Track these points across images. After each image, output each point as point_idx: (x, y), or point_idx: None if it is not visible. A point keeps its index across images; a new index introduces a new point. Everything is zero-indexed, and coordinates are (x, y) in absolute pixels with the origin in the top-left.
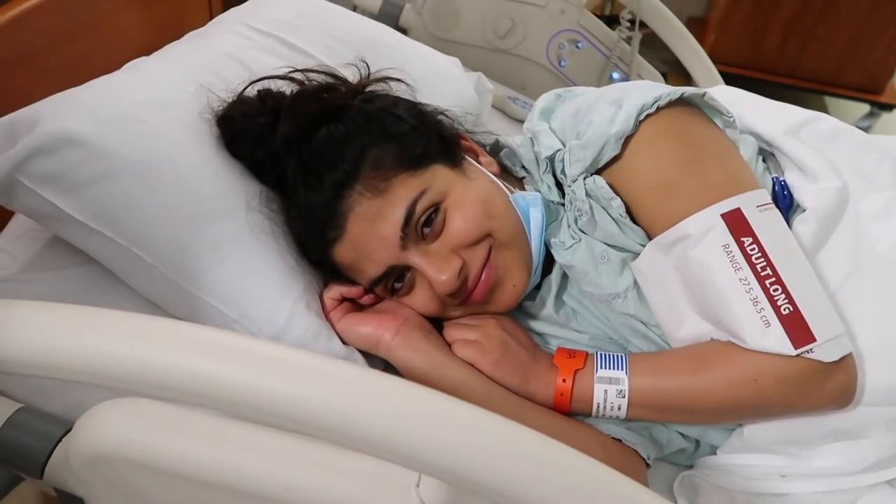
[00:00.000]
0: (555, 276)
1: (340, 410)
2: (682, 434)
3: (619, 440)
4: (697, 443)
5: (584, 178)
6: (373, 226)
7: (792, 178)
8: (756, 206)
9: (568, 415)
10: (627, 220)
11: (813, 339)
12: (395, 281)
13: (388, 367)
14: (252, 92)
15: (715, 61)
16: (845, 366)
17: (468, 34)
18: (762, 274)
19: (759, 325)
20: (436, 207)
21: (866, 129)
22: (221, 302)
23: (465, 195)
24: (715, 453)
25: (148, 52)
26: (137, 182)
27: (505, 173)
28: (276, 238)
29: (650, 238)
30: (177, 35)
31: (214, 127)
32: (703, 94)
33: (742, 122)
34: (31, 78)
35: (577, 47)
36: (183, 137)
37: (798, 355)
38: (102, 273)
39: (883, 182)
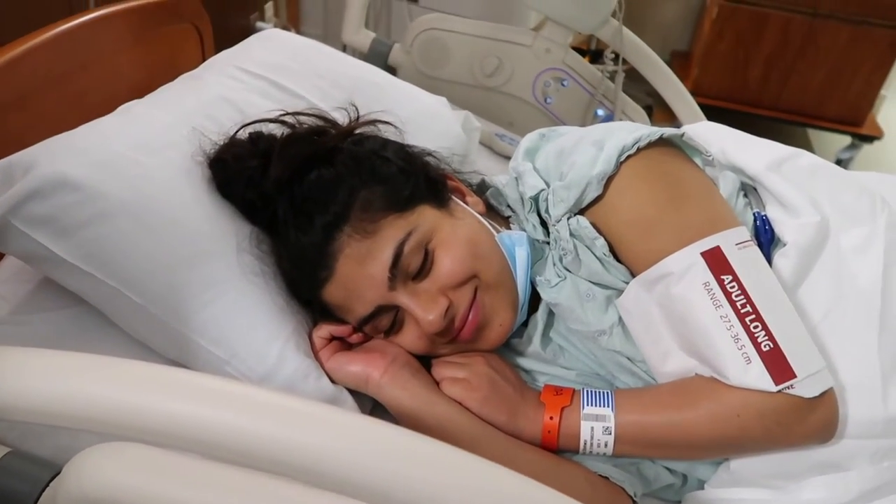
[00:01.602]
0: (541, 314)
1: (332, 456)
2: (669, 469)
3: (607, 477)
4: (685, 478)
5: (568, 219)
6: (362, 266)
7: (773, 213)
8: (735, 243)
9: (556, 452)
10: (611, 259)
11: (793, 375)
12: (383, 320)
13: (376, 405)
14: (244, 134)
15: (699, 94)
16: (826, 401)
17: (456, 72)
18: (742, 311)
19: (741, 362)
20: (424, 248)
21: (848, 161)
22: (212, 343)
23: (453, 235)
24: (703, 488)
25: (142, 93)
26: (129, 224)
27: (491, 212)
28: (266, 279)
29: (633, 275)
30: (171, 76)
31: (206, 169)
32: (682, 135)
33: (725, 156)
34: (27, 119)
35: (563, 85)
36: (175, 179)
37: (779, 391)
38: (93, 314)
39: (861, 217)
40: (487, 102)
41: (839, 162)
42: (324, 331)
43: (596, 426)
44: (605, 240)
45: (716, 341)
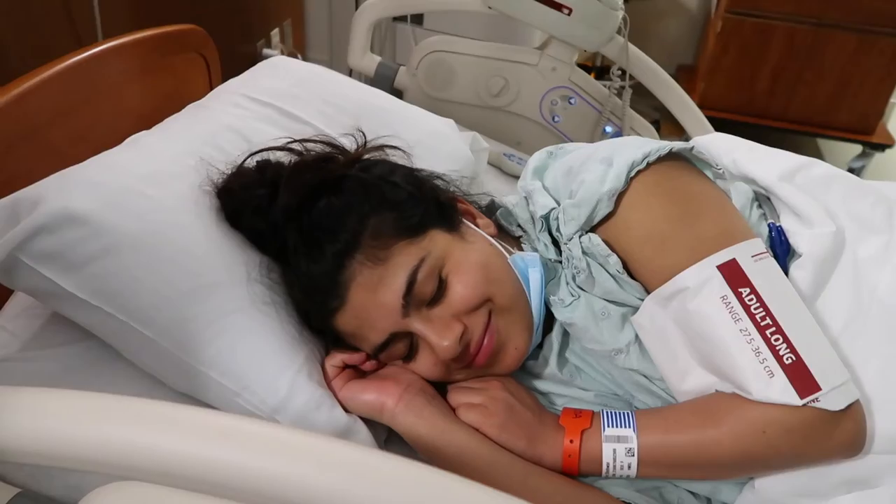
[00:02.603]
0: (556, 335)
1: (345, 495)
2: (692, 493)
3: None
4: (709, 501)
5: (580, 237)
6: (374, 294)
7: (788, 224)
8: (751, 255)
9: (577, 476)
10: (625, 276)
11: (818, 388)
12: (398, 347)
13: (391, 433)
14: (251, 163)
15: (706, 107)
16: (853, 413)
17: (462, 93)
18: (762, 324)
19: (763, 376)
20: (437, 274)
21: (860, 170)
22: (222, 375)
23: (465, 259)
24: None
25: (150, 123)
26: (137, 257)
27: (502, 233)
28: (277, 308)
29: (648, 292)
30: (178, 106)
31: (214, 199)
32: (692, 148)
33: (737, 167)
34: (35, 154)
35: (570, 103)
36: (183, 211)
37: (804, 405)
38: (103, 349)
39: (879, 226)
40: (495, 123)
41: (851, 171)
42: (336, 359)
43: (618, 448)
44: (618, 256)
45: (736, 356)
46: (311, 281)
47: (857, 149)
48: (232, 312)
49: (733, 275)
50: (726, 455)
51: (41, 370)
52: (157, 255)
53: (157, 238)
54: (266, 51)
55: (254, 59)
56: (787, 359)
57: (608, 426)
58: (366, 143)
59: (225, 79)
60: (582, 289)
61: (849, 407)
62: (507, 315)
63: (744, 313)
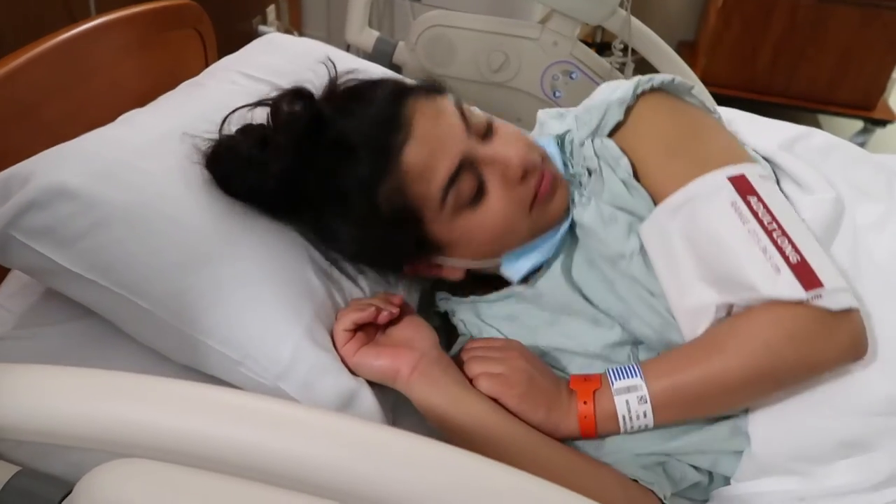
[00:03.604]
0: (564, 250)
1: (348, 470)
2: (694, 467)
3: (636, 480)
4: (711, 476)
5: (592, 140)
6: (438, 120)
7: (788, 191)
8: (758, 175)
9: (597, 437)
10: (634, 182)
11: (821, 285)
12: (466, 182)
13: (398, 398)
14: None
15: (707, 83)
16: (852, 317)
17: (462, 69)
18: (769, 227)
19: (770, 271)
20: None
21: (861, 145)
22: (223, 344)
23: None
24: (729, 484)
25: (145, 101)
26: (131, 229)
27: None
28: (278, 273)
29: (656, 205)
30: (173, 83)
31: (207, 171)
32: (692, 88)
33: (738, 138)
34: (28, 132)
35: (571, 78)
36: (176, 183)
37: (807, 301)
38: (102, 326)
39: (878, 194)
40: (495, 98)
41: None
42: (346, 321)
43: (630, 398)
44: (630, 161)
45: (742, 255)
46: (371, 123)
47: (858, 124)
48: (230, 281)
49: (742, 185)
50: (736, 378)
51: (40, 348)
52: (151, 226)
53: (149, 210)
54: (262, 27)
55: (249, 36)
56: (792, 258)
57: (616, 380)
58: (336, 72)
59: (221, 57)
60: (591, 201)
61: (848, 312)
62: (549, 163)
63: (751, 217)
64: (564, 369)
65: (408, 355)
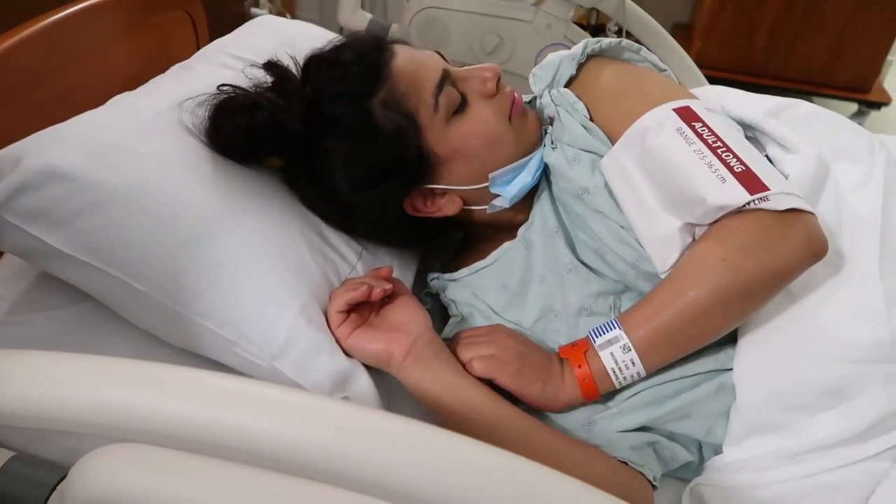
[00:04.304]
0: (540, 201)
1: (340, 452)
2: (687, 442)
3: (626, 462)
4: (702, 457)
5: (549, 91)
6: (417, 52)
7: (773, 153)
8: (704, 108)
9: (599, 398)
10: (591, 123)
11: (766, 188)
12: (453, 91)
13: (392, 378)
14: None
15: (703, 66)
16: (804, 217)
17: (456, 51)
18: (713, 145)
19: (716, 181)
20: None
21: None
22: (218, 325)
23: None
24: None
25: (136, 84)
26: (124, 211)
27: None
28: (273, 252)
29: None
30: (164, 66)
31: (200, 153)
32: (640, 49)
33: (726, 112)
34: (19, 115)
35: None
36: (168, 164)
37: (754, 202)
38: (95, 312)
39: (860, 156)
40: None
41: None
42: (339, 302)
43: (614, 350)
44: (585, 105)
45: (690, 171)
46: (360, 48)
47: (853, 107)
48: (224, 262)
49: (687, 114)
50: (707, 303)
51: (33, 333)
52: (144, 207)
53: (142, 191)
54: (254, 10)
55: (242, 18)
56: (736, 168)
57: (597, 337)
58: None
59: (212, 40)
60: (555, 145)
61: (800, 213)
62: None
63: (696, 139)
64: (553, 348)
65: (401, 339)
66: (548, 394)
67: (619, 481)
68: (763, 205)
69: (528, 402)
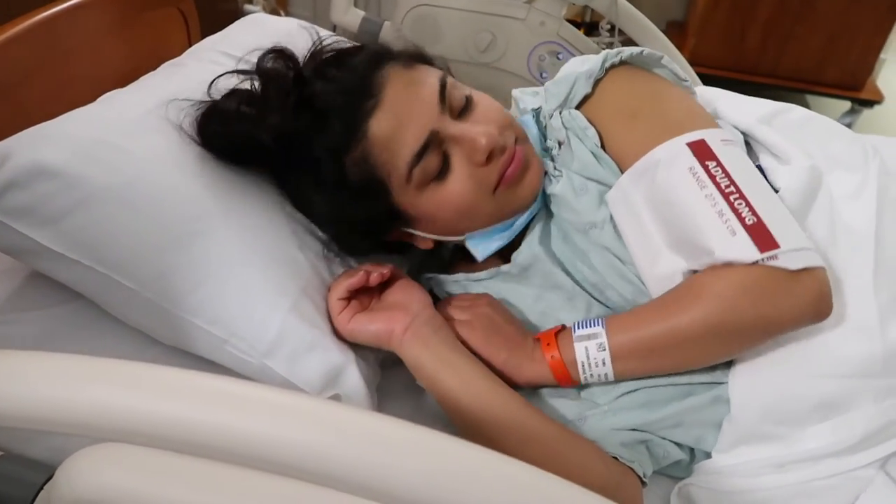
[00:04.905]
0: (539, 224)
1: (328, 452)
2: (677, 444)
3: (617, 458)
4: (693, 454)
5: (560, 112)
6: (411, 90)
7: (766, 163)
8: (720, 139)
9: (570, 383)
10: (602, 152)
11: (777, 246)
12: (432, 159)
13: (386, 371)
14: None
15: (696, 64)
16: (816, 274)
17: (449, 49)
18: (726, 191)
19: (726, 234)
20: (462, 91)
21: (848, 126)
22: (208, 323)
23: (482, 93)
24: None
25: (125, 82)
26: (113, 208)
27: None
28: (263, 248)
29: (622, 172)
30: (155, 64)
31: (188, 149)
32: (661, 58)
33: (717, 116)
34: (9, 112)
35: (558, 58)
36: (158, 162)
37: (763, 261)
38: (86, 310)
39: (854, 164)
40: (482, 79)
41: None
42: (339, 290)
43: (589, 345)
44: (597, 132)
45: (700, 218)
46: (342, 89)
47: (846, 105)
48: (214, 260)
49: (701, 151)
50: (693, 331)
51: (25, 332)
52: (134, 205)
53: (132, 189)
54: (247, 7)
55: (234, 16)
56: (748, 220)
57: (578, 329)
58: (320, 40)
59: (204, 37)
60: (561, 173)
61: (812, 269)
62: (526, 144)
63: (709, 181)
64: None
65: (401, 316)
66: (511, 363)
67: (611, 474)
68: (772, 262)
69: (494, 366)
